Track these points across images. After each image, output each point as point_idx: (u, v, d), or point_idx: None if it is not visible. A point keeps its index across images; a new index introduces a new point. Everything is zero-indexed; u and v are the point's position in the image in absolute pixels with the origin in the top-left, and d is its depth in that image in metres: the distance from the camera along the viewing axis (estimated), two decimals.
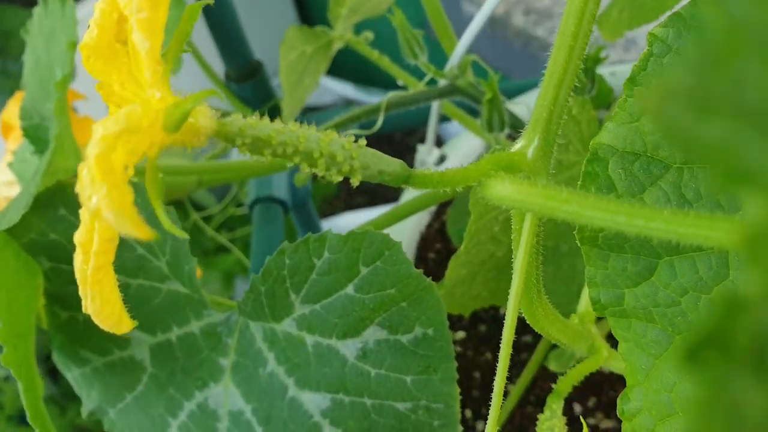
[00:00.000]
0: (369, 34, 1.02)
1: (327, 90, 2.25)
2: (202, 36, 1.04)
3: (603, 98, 0.80)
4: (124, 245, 0.59)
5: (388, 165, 0.33)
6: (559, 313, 0.80)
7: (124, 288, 0.60)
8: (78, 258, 0.30)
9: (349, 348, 0.56)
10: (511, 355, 0.93)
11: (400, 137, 2.24)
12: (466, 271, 0.73)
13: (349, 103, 2.33)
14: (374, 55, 1.00)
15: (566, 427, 0.52)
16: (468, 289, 0.77)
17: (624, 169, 0.39)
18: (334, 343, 0.57)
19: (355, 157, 0.32)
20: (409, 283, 0.54)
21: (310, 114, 1.21)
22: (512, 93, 1.09)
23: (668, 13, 0.42)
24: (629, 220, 0.28)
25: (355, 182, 0.33)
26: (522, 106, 0.94)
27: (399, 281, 0.54)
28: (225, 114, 0.35)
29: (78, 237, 0.30)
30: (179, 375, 0.65)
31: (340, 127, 0.88)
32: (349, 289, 0.56)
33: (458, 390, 0.55)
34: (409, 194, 1.03)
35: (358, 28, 1.08)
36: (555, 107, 0.32)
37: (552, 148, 0.34)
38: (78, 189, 0.27)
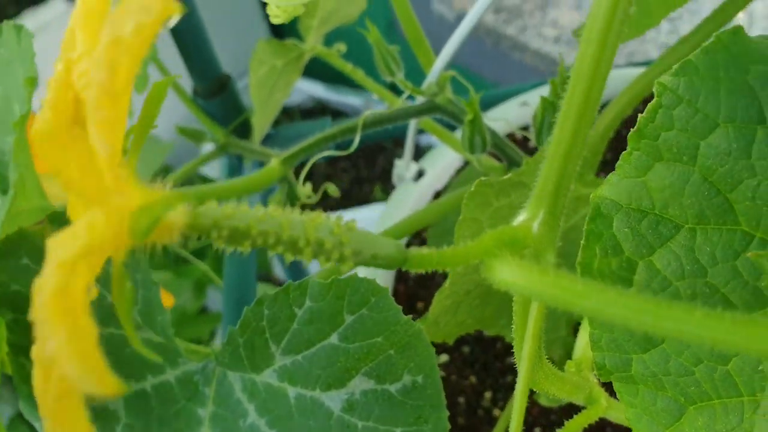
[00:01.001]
0: (341, 46, 0.98)
1: (297, 90, 2.20)
2: (169, 51, 1.00)
3: None
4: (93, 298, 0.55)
5: (381, 248, 0.30)
6: (551, 338, 0.77)
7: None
8: (38, 377, 0.26)
9: (334, 400, 0.53)
10: (496, 377, 0.90)
11: (391, 146, 2.21)
12: (450, 301, 0.70)
13: (319, 103, 2.28)
14: (347, 67, 0.96)
15: None
16: (452, 318, 0.74)
17: (630, 228, 0.36)
18: (317, 395, 0.53)
19: (345, 242, 0.29)
20: (396, 331, 0.51)
21: (280, 126, 1.17)
22: (488, 103, 1.06)
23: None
24: (657, 321, 0.25)
25: (345, 270, 0.30)
26: (501, 121, 0.91)
27: (386, 329, 0.51)
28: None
29: (35, 353, 0.26)
30: (155, 426, 0.61)
31: (314, 147, 0.84)
32: (333, 339, 0.52)
33: None
34: (399, 194, 1.00)
35: (330, 37, 1.04)
36: (563, 179, 0.29)
37: (558, 221, 0.31)
38: (31, 314, 0.23)
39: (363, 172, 2.22)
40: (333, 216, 0.30)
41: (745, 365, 0.36)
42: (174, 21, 0.24)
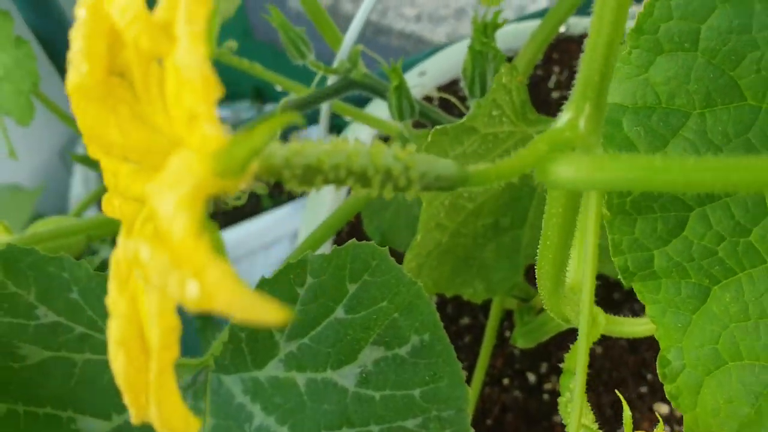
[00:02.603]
0: (233, 43, 0.95)
1: None
2: (46, 76, 0.93)
3: (498, 63, 0.79)
4: (60, 326, 0.50)
5: (444, 168, 0.29)
6: (508, 287, 0.79)
7: (69, 366, 0.52)
8: (118, 361, 0.23)
9: (347, 377, 0.52)
10: (455, 339, 0.91)
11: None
12: (415, 263, 0.70)
13: None
14: (245, 64, 0.93)
15: (588, 404, 0.50)
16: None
17: (642, 126, 0.38)
18: (329, 376, 0.51)
19: (411, 166, 0.28)
20: (400, 292, 0.51)
21: None
22: (386, 80, 1.06)
23: None
24: (742, 175, 0.25)
25: (411, 196, 0.29)
26: (418, 87, 0.92)
27: (390, 292, 0.50)
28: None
29: (116, 335, 0.23)
30: None
31: None
32: (339, 313, 0.51)
33: (469, 391, 0.52)
34: (318, 196, 0.98)
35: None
36: (607, 68, 0.29)
37: (604, 115, 0.31)
38: (111, 296, 0.20)
39: None
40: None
41: (766, 233, 0.38)
42: None
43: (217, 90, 0.21)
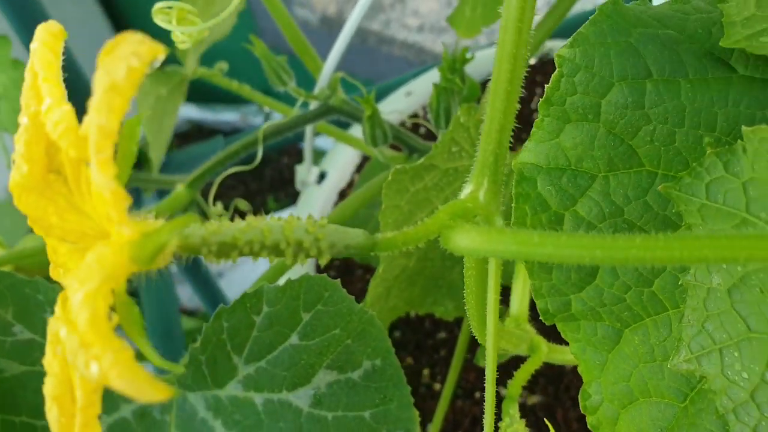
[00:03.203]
0: (223, 65, 0.99)
1: None
2: None
3: (473, 94, 0.83)
4: (35, 343, 0.55)
5: (353, 238, 0.33)
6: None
7: (43, 379, 0.56)
8: (52, 412, 0.28)
9: (301, 398, 0.56)
10: (430, 354, 0.95)
11: (276, 156, 2.21)
12: (382, 288, 0.74)
13: (194, 124, 2.26)
14: (233, 85, 0.98)
15: (527, 429, 0.54)
16: (385, 303, 0.78)
17: (553, 185, 0.41)
18: (285, 397, 0.56)
19: (321, 238, 0.32)
20: (352, 320, 0.54)
21: (171, 153, 1.16)
22: (375, 99, 1.10)
23: None
24: (606, 253, 0.29)
25: (323, 262, 0.33)
26: (395, 113, 0.95)
27: (342, 320, 0.54)
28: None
29: (50, 391, 0.28)
30: None
31: (218, 166, 0.86)
32: (294, 339, 0.55)
33: (416, 413, 0.55)
34: (305, 198, 1.02)
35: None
36: (500, 150, 0.33)
37: (500, 188, 0.35)
38: (47, 357, 0.24)
39: (252, 186, 2.22)
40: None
41: (666, 284, 0.42)
42: (159, 62, 0.26)
43: (125, 200, 0.25)
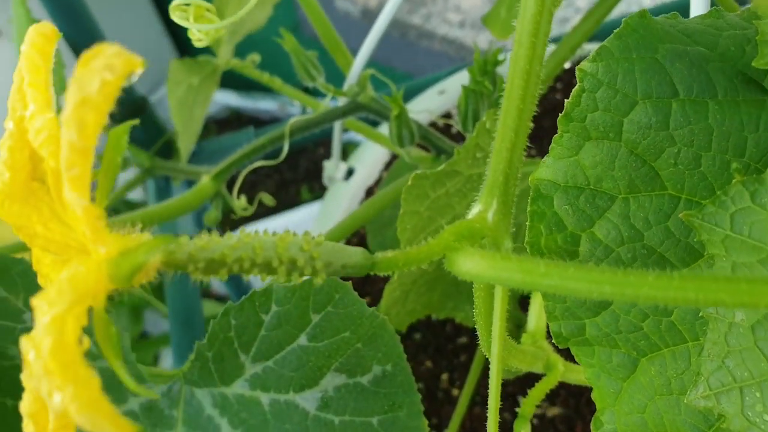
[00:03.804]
0: (255, 57, 0.99)
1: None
2: None
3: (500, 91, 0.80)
4: None
5: (350, 257, 0.32)
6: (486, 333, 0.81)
7: None
8: (29, 430, 0.27)
9: (308, 400, 0.55)
10: (450, 358, 0.94)
11: (312, 147, 2.21)
12: (399, 292, 0.73)
13: (234, 112, 2.27)
14: (264, 77, 0.97)
15: None
16: (402, 307, 0.77)
17: (570, 205, 0.39)
18: (291, 398, 0.55)
19: (316, 257, 0.30)
20: (362, 324, 0.53)
21: (203, 142, 1.16)
22: (405, 95, 1.08)
23: None
24: (616, 289, 0.27)
25: (318, 282, 0.31)
26: (424, 113, 0.94)
27: (352, 323, 0.53)
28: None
29: (26, 408, 0.27)
30: None
31: (244, 159, 0.85)
32: (302, 340, 0.54)
33: (426, 422, 0.54)
34: (331, 194, 1.01)
35: (240, 46, 1.05)
36: (510, 170, 0.32)
37: (511, 209, 0.33)
38: (24, 374, 0.24)
39: (287, 176, 2.23)
40: (300, 233, 0.31)
41: (686, 314, 0.39)
42: (137, 76, 0.25)
43: (98, 218, 0.24)
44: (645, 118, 0.36)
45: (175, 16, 0.48)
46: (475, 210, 0.33)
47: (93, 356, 0.58)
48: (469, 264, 0.31)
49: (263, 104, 2.14)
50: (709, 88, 0.36)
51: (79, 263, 0.24)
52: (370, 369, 0.54)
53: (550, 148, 0.40)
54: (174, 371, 0.58)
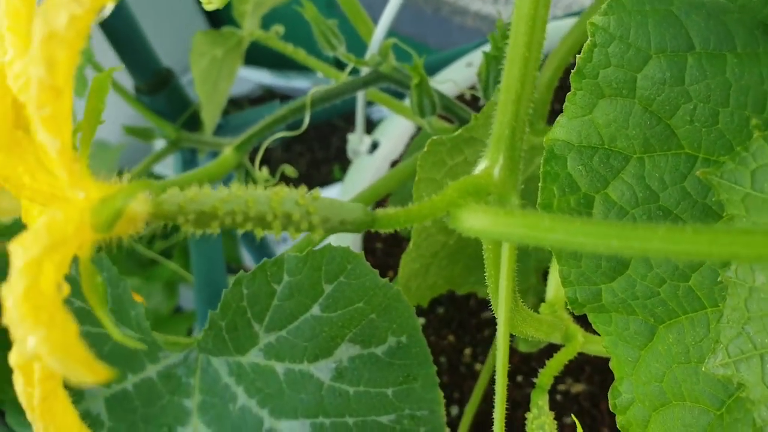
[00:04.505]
0: (279, 28, 0.98)
1: (243, 79, 2.18)
2: (104, 51, 0.98)
3: None
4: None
5: (349, 213, 0.31)
6: (521, 288, 0.79)
7: None
8: (18, 382, 0.27)
9: (322, 370, 0.54)
10: (473, 333, 0.92)
11: (343, 125, 2.20)
12: (418, 264, 0.72)
13: (267, 90, 2.27)
14: (288, 49, 0.96)
15: (554, 422, 0.51)
16: (423, 281, 0.76)
17: (584, 165, 0.38)
18: (306, 368, 0.54)
19: (313, 212, 0.30)
20: (376, 294, 0.53)
21: (230, 116, 1.16)
22: (433, 68, 1.07)
23: None
24: (624, 243, 0.26)
25: (316, 238, 0.31)
26: (449, 83, 0.92)
27: (365, 294, 0.52)
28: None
29: (14, 359, 0.27)
30: (141, 425, 0.61)
31: (266, 131, 0.84)
32: (315, 310, 0.53)
33: (441, 394, 0.53)
34: (355, 168, 1.01)
35: (267, 20, 1.04)
36: (517, 122, 0.30)
37: (518, 164, 0.32)
38: (4, 319, 0.23)
39: (319, 154, 2.22)
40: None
41: (704, 279, 0.38)
42: (108, 10, 0.24)
43: (74, 160, 0.23)
44: (659, 73, 0.35)
45: None
46: (481, 166, 0.32)
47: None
48: (472, 220, 0.30)
49: (296, 82, 2.13)
50: (727, 41, 0.34)
51: (57, 209, 0.24)
52: (385, 340, 0.53)
53: (564, 106, 0.38)
54: (189, 339, 0.58)
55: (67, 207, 0.24)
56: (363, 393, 0.54)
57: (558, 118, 0.39)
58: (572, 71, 0.36)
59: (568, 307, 0.43)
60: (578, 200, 0.38)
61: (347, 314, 0.52)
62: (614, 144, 0.37)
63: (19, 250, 0.22)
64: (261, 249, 1.35)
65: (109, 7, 0.23)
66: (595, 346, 0.54)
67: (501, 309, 0.37)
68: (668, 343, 0.41)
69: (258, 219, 0.29)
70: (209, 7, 0.50)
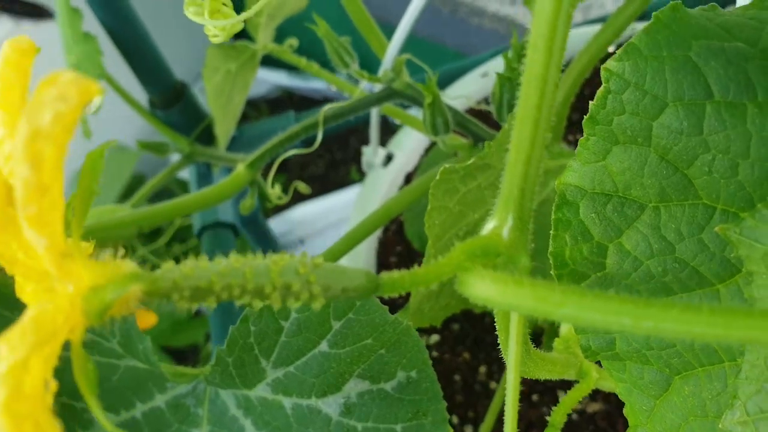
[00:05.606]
0: (293, 41, 0.97)
1: (260, 80, 2.17)
2: (118, 65, 0.98)
3: None
4: None
5: (351, 280, 0.29)
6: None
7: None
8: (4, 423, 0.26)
9: (331, 405, 0.54)
10: (489, 351, 0.91)
11: (362, 127, 2.19)
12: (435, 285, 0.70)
13: (284, 91, 2.26)
14: (302, 62, 0.95)
15: None
16: (436, 302, 0.74)
17: (597, 213, 0.36)
18: (314, 403, 0.54)
19: (313, 281, 0.28)
20: (385, 330, 0.52)
21: (244, 127, 1.16)
22: (448, 78, 1.05)
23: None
24: (636, 322, 0.25)
25: (316, 307, 0.30)
26: (462, 99, 0.90)
27: (375, 330, 0.52)
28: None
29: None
30: None
31: (279, 148, 0.84)
32: (323, 346, 0.52)
33: (451, 430, 0.52)
34: (370, 180, 1.00)
35: (281, 30, 1.03)
36: (527, 183, 0.29)
37: (528, 224, 0.31)
38: None
39: (337, 155, 2.21)
40: (297, 254, 0.29)
41: None
42: (96, 103, 0.23)
43: (61, 252, 0.22)
44: (676, 122, 0.33)
45: (190, 12, 0.46)
46: (489, 225, 0.31)
47: (117, 355, 0.58)
48: (480, 288, 0.29)
49: (314, 83, 2.13)
50: (748, 89, 0.33)
51: (47, 300, 0.23)
52: (395, 375, 0.52)
53: (577, 151, 0.37)
54: (197, 371, 0.58)
55: (55, 299, 0.23)
56: (372, 429, 0.53)
57: (570, 162, 0.37)
58: (585, 116, 0.35)
59: (582, 355, 0.42)
60: (591, 249, 0.37)
61: (356, 350, 0.52)
62: (629, 192, 0.35)
63: (3, 350, 0.21)
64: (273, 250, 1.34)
65: (98, 100, 0.22)
66: (609, 383, 0.53)
67: (510, 378, 0.36)
68: (684, 395, 0.39)
69: (256, 291, 0.28)
70: (215, 41, 0.49)
